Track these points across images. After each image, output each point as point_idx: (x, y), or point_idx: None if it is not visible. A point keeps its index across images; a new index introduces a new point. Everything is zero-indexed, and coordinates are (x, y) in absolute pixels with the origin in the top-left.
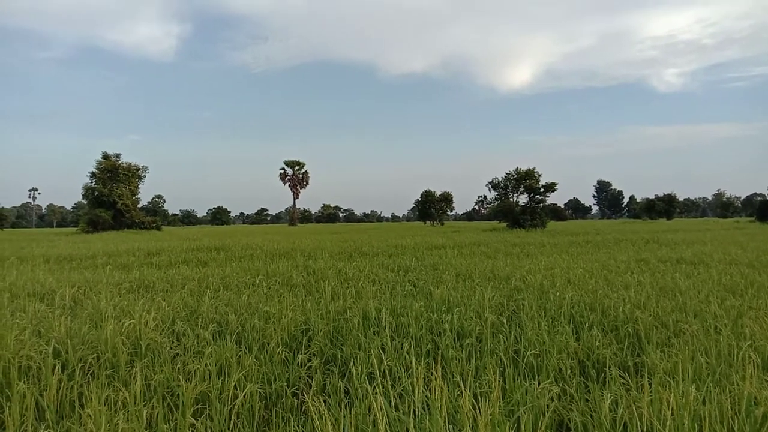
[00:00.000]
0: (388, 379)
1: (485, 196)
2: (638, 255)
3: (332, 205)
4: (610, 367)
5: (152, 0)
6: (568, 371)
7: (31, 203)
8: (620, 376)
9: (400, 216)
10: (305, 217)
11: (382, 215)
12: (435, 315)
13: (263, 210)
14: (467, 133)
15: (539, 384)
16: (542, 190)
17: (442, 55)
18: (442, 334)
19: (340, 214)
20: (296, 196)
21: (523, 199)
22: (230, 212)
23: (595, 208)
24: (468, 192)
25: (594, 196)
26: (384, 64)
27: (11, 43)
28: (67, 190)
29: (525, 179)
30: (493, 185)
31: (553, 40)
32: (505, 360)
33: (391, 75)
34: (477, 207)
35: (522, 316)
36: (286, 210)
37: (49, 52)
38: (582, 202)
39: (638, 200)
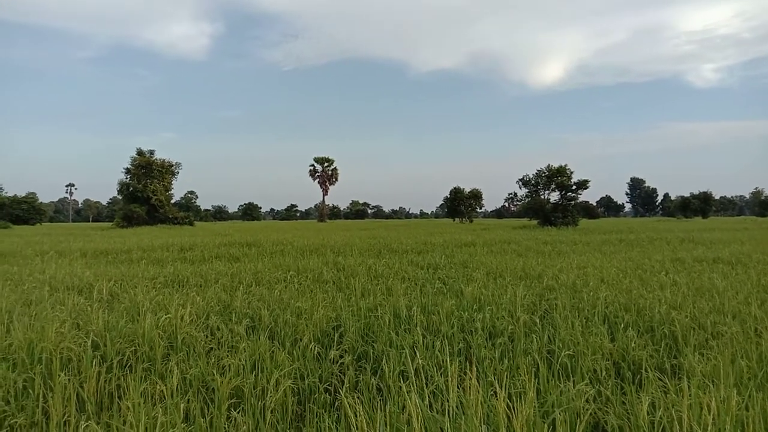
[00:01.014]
0: (421, 377)
1: (515, 194)
2: (673, 254)
3: (361, 202)
4: (646, 369)
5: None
6: (603, 373)
7: (68, 198)
8: (657, 378)
9: (429, 213)
10: (334, 213)
11: (410, 212)
12: (466, 313)
13: (293, 206)
14: (497, 130)
15: (574, 385)
16: (574, 187)
17: (472, 51)
18: (473, 333)
19: (369, 211)
20: (325, 192)
21: (554, 196)
22: (261, 208)
23: (627, 206)
24: (497, 189)
25: (627, 194)
26: (413, 61)
27: (50, 43)
28: (102, 185)
29: (556, 176)
30: (524, 182)
31: (585, 36)
32: (539, 360)
33: (420, 72)
34: (507, 204)
35: (555, 315)
36: (315, 206)
37: (86, 51)
38: (614, 200)
39: (672, 198)
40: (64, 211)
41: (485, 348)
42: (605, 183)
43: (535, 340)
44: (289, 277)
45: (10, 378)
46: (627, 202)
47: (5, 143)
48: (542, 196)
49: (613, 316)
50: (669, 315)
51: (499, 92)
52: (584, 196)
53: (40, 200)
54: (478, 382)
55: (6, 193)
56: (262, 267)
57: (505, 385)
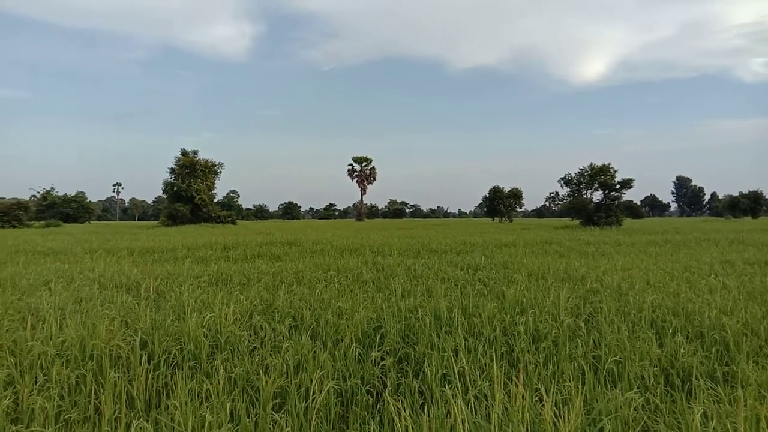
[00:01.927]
0: (464, 381)
1: (557, 193)
2: (722, 256)
3: (399, 201)
4: (696, 377)
5: (228, 2)
6: (651, 380)
7: (115, 197)
8: (709, 386)
9: (467, 212)
10: (372, 212)
11: (448, 211)
12: (508, 316)
13: (331, 205)
14: (537, 128)
15: (621, 392)
16: (618, 186)
17: (512, 47)
18: (516, 337)
19: (407, 210)
20: (363, 191)
21: (597, 195)
22: (300, 207)
23: (673, 206)
24: (538, 188)
25: (672, 193)
26: (452, 58)
27: (97, 45)
28: (147, 184)
29: (599, 175)
30: (566, 181)
31: (629, 31)
32: (585, 366)
33: (459, 69)
34: (548, 203)
35: (600, 319)
36: (353, 205)
37: (132, 53)
38: (660, 199)
39: (720, 197)
40: (111, 210)
41: (528, 352)
42: (650, 181)
43: (580, 344)
44: (329, 277)
45: (64, 374)
46: (672, 201)
47: (56, 144)
48: (585, 196)
49: (661, 320)
50: (719, 320)
51: (539, 89)
52: (628, 195)
53: (88, 199)
54: (524, 388)
55: (57, 192)
56: (303, 266)
57: (552, 391)
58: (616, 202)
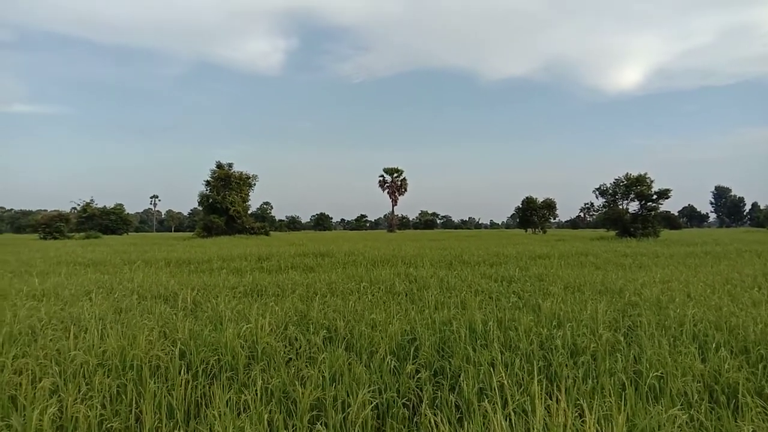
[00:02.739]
0: (502, 396)
1: (591, 203)
2: (766, 268)
3: (430, 212)
4: (743, 394)
5: (262, 17)
6: (695, 396)
7: (152, 209)
8: (758, 404)
9: (499, 223)
10: (403, 223)
11: (480, 222)
12: (545, 330)
13: (363, 216)
14: (571, 138)
15: (663, 408)
16: (654, 196)
17: (544, 57)
18: (554, 351)
19: (438, 221)
20: (394, 202)
21: (633, 206)
22: (332, 218)
23: (712, 216)
24: (572, 199)
25: (711, 203)
26: (484, 69)
27: (136, 61)
28: (183, 196)
29: (636, 185)
30: (601, 192)
31: (666, 38)
32: (626, 381)
33: (491, 80)
34: (582, 214)
35: (640, 333)
36: (384, 216)
37: (170, 69)
38: (698, 210)
39: (762, 207)
40: (148, 222)
41: (567, 367)
42: (687, 192)
43: (619, 359)
44: (362, 288)
45: (105, 383)
46: (711, 211)
47: (95, 158)
48: (620, 206)
49: (703, 335)
50: (765, 335)
51: (572, 98)
52: (665, 205)
53: (126, 211)
54: (567, 404)
55: (96, 204)
56: (335, 277)
57: (595, 408)
58: (653, 212)
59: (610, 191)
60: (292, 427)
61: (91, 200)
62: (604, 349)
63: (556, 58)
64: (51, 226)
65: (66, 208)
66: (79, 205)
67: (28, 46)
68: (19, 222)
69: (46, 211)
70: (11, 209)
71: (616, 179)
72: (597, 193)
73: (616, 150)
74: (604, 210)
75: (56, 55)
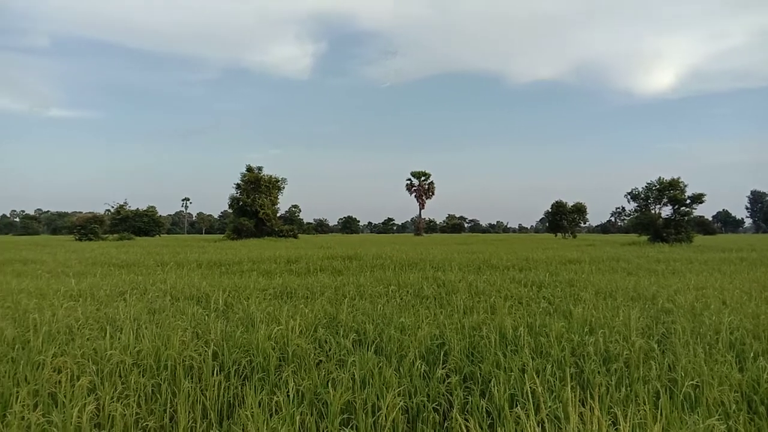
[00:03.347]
0: (533, 402)
1: (623, 208)
2: None
3: (457, 215)
4: None
5: (291, 22)
6: (733, 406)
7: (183, 211)
8: None
9: (528, 227)
10: (430, 227)
11: (508, 226)
12: (577, 336)
13: (390, 219)
14: (601, 142)
15: (700, 418)
16: (688, 201)
17: (573, 60)
18: (586, 358)
19: (465, 225)
20: (422, 206)
21: (666, 211)
22: (359, 221)
23: (748, 221)
24: (602, 203)
25: (747, 208)
26: (512, 72)
27: (168, 67)
28: (214, 199)
29: (668, 189)
30: (633, 196)
31: (699, 40)
32: (661, 389)
33: (519, 83)
34: (613, 219)
35: (674, 340)
36: (411, 220)
37: (201, 74)
38: (733, 215)
39: None
40: (180, 224)
41: (599, 374)
42: (722, 196)
43: (653, 366)
44: (390, 292)
45: (140, 383)
46: (747, 216)
47: (128, 161)
48: (653, 211)
49: (740, 343)
50: None
51: (602, 101)
52: (699, 210)
53: (159, 213)
54: (601, 412)
55: (129, 206)
56: (364, 281)
57: (629, 416)
58: (687, 217)
59: (642, 195)
60: (324, 429)
61: (125, 202)
62: (638, 357)
63: (586, 60)
64: (86, 227)
65: (100, 210)
66: (113, 207)
67: (64, 53)
68: (55, 223)
69: (81, 212)
70: (48, 211)
71: (648, 183)
72: (628, 197)
73: (648, 154)
74: (636, 215)
75: (91, 61)
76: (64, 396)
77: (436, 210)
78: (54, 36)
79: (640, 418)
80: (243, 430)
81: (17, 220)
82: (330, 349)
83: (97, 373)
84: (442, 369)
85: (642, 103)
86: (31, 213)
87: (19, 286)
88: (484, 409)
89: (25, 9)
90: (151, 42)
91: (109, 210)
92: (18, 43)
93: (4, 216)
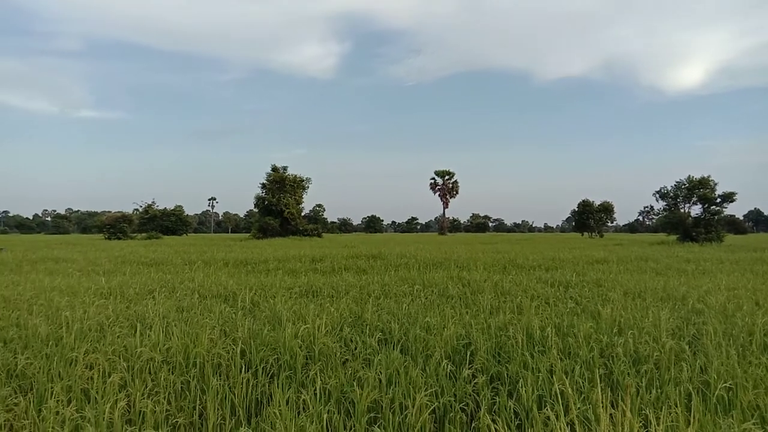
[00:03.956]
0: (562, 403)
1: (651, 207)
2: None
3: (482, 215)
4: None
5: (317, 22)
6: None
7: (210, 211)
8: None
9: (554, 227)
10: (454, 226)
11: (533, 225)
12: (605, 337)
13: (413, 219)
14: (629, 139)
15: (735, 422)
16: (718, 200)
17: (602, 56)
18: (615, 359)
19: (490, 224)
20: (446, 205)
21: (695, 210)
22: (382, 220)
23: None
24: (630, 202)
25: None
26: (538, 69)
27: (195, 68)
28: (240, 199)
29: (698, 188)
30: (661, 195)
31: (731, 35)
32: (693, 392)
33: (545, 80)
34: (641, 218)
35: (706, 342)
36: (435, 219)
37: (228, 75)
38: (765, 214)
39: None
40: (206, 223)
41: (629, 375)
42: (754, 195)
43: (684, 368)
44: (415, 291)
45: (170, 380)
46: None
47: (156, 161)
48: (682, 210)
49: None
50: None
51: (631, 98)
52: (730, 209)
53: (186, 212)
54: (632, 413)
55: (157, 206)
56: (388, 280)
57: (662, 418)
58: (717, 216)
59: (671, 194)
60: (351, 428)
61: (153, 202)
62: (668, 358)
63: (614, 56)
64: (115, 226)
65: (129, 210)
66: (141, 206)
67: (94, 55)
68: (85, 222)
69: (110, 212)
70: (78, 210)
71: (677, 182)
72: (657, 196)
73: (677, 151)
74: (665, 214)
75: (120, 62)
76: (96, 392)
77: (460, 209)
78: (85, 39)
79: (672, 421)
80: (271, 427)
81: (49, 219)
82: (356, 348)
83: (128, 370)
84: (469, 369)
85: (671, 100)
86: (62, 212)
87: (51, 283)
88: (512, 410)
89: (57, 13)
90: (179, 43)
91: (137, 209)
92: (50, 47)
93: (36, 215)
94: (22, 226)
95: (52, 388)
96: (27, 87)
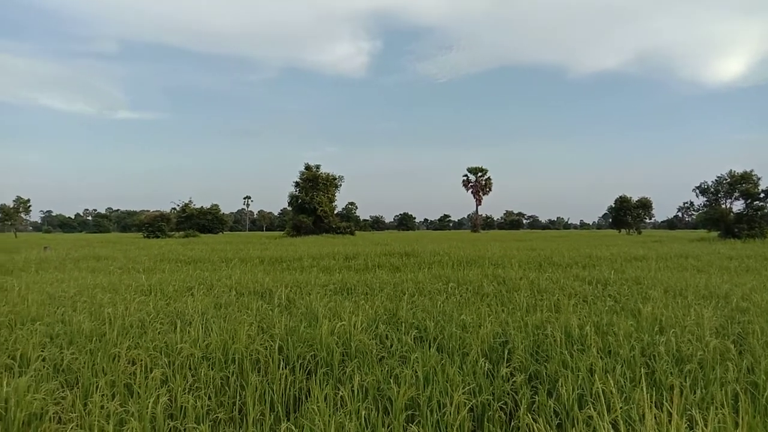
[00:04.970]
0: (604, 403)
1: (691, 203)
2: None
3: (515, 212)
4: None
5: (347, 20)
6: None
7: (245, 209)
8: None
9: (590, 223)
10: (487, 223)
11: (569, 222)
12: (646, 336)
13: (446, 216)
14: (667, 134)
15: None
16: (762, 195)
17: (638, 49)
18: (656, 358)
19: (524, 221)
20: (479, 202)
21: (737, 205)
22: (415, 218)
23: None
24: (668, 198)
25: None
26: (573, 63)
27: (229, 68)
28: (274, 197)
29: (740, 183)
30: (702, 190)
31: None
32: (740, 392)
33: (580, 75)
34: (680, 214)
35: (752, 341)
36: (468, 216)
37: (259, 74)
38: None
39: None
40: (242, 221)
41: (672, 375)
42: None
43: (731, 368)
44: (449, 289)
45: (210, 375)
46: None
47: (191, 161)
48: (723, 206)
49: None
50: None
51: (668, 91)
52: None
53: (222, 211)
54: (679, 415)
55: (194, 205)
56: (422, 277)
57: (710, 419)
58: (760, 212)
59: (712, 189)
60: (389, 425)
61: (190, 201)
62: (713, 358)
63: (651, 49)
64: (153, 225)
65: (167, 208)
66: (178, 205)
67: (130, 57)
68: (124, 221)
69: (148, 211)
70: (118, 209)
71: (718, 177)
72: (697, 191)
73: (717, 146)
74: (705, 209)
75: (155, 64)
76: (139, 387)
77: (493, 206)
78: (121, 41)
79: (719, 422)
80: (312, 422)
81: (90, 218)
82: (391, 345)
83: (169, 366)
84: (506, 367)
85: (710, 93)
86: (103, 211)
87: (94, 281)
88: (552, 409)
89: (95, 16)
90: (211, 45)
91: (175, 208)
92: (89, 49)
93: (77, 215)
94: (64, 225)
95: (96, 382)
96: (67, 89)
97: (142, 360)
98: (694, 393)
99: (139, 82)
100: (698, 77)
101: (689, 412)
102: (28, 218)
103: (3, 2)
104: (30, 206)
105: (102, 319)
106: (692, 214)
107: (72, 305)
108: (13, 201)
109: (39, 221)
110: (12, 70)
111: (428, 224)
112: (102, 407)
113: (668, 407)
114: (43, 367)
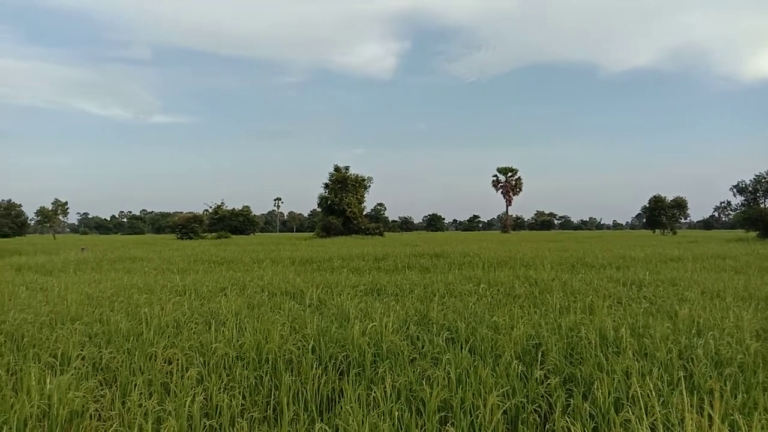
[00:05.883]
0: (641, 407)
1: (728, 202)
2: None
3: (546, 212)
4: None
5: (375, 22)
6: None
7: (275, 211)
8: None
9: (623, 224)
10: (518, 224)
11: (602, 222)
12: (684, 338)
13: (475, 217)
14: (702, 131)
15: None
16: None
17: (671, 46)
18: (694, 361)
19: (555, 221)
20: (509, 203)
21: None
22: (444, 219)
23: None
24: (704, 197)
25: None
26: (604, 61)
27: (259, 72)
28: (303, 198)
29: None
30: (739, 189)
31: None
32: None
33: (611, 73)
34: (717, 214)
35: None
36: (497, 217)
37: (288, 77)
38: None
39: None
40: (272, 222)
41: (711, 378)
42: None
43: None
44: (480, 290)
45: (244, 375)
46: None
47: (223, 163)
48: (762, 205)
49: None
50: None
51: (703, 88)
52: None
53: (253, 213)
54: (720, 420)
55: (226, 206)
56: (452, 278)
57: (754, 424)
58: None
59: (750, 188)
60: (422, 427)
61: (222, 202)
62: (754, 361)
63: (686, 45)
64: (187, 226)
65: (199, 210)
66: (211, 207)
67: (163, 62)
68: (158, 223)
69: (182, 212)
70: (152, 212)
71: (756, 175)
72: (734, 190)
73: (755, 143)
74: (743, 209)
75: (187, 68)
76: (175, 386)
77: (523, 207)
78: (154, 47)
79: (762, 428)
80: (346, 422)
81: (125, 220)
82: (423, 347)
83: (204, 365)
84: (540, 370)
85: (746, 89)
86: (137, 213)
87: (130, 281)
88: (587, 412)
89: (129, 21)
90: (242, 48)
91: (207, 210)
92: (124, 55)
93: (113, 217)
94: (100, 227)
95: (134, 381)
96: (103, 94)
97: (178, 359)
98: (735, 397)
99: (172, 87)
100: (734, 73)
101: (731, 417)
102: (65, 220)
103: (41, 12)
104: (68, 208)
105: (138, 319)
106: (729, 214)
107: (109, 305)
108: (52, 203)
109: (76, 223)
110: (50, 77)
111: (457, 225)
112: (140, 405)
113: (709, 411)
114: (83, 365)
